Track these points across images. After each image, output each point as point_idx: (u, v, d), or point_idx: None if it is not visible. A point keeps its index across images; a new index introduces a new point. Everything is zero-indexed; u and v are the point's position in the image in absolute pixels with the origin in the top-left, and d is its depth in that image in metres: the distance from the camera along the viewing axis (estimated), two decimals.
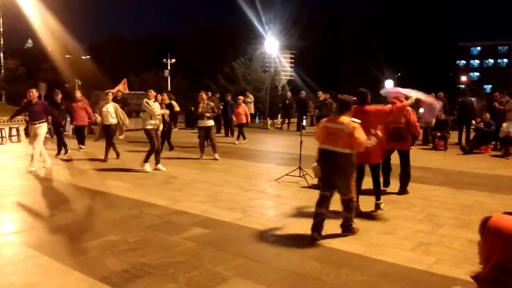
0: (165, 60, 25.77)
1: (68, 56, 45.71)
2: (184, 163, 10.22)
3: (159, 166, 9.19)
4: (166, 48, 35.67)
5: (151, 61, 37.32)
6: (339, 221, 5.24)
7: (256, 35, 28.21)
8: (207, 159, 10.54)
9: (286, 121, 20.90)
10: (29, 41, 55.56)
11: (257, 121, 23.57)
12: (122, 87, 21.26)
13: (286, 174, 8.33)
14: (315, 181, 7.73)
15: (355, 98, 5.95)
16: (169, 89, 24.34)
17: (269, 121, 21.75)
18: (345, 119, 4.92)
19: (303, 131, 10.23)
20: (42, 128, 9.27)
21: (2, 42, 32.90)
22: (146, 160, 9.05)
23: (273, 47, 23.89)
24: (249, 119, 15.21)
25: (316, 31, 41.33)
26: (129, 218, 5.84)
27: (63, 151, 11.03)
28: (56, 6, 37.15)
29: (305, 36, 36.12)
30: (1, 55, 34.32)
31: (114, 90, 17.92)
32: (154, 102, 9.28)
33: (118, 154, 10.63)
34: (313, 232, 4.99)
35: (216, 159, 10.52)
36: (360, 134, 4.83)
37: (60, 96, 11.41)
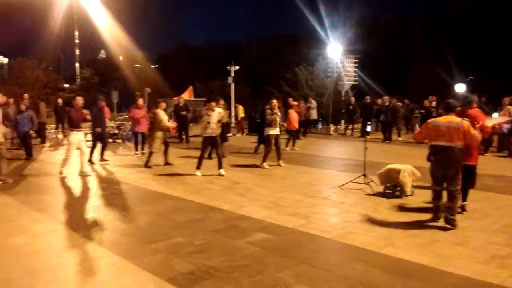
0: (228, 67, 26.25)
1: (138, 65, 48.04)
2: (247, 169, 10.36)
3: (221, 171, 9.40)
4: (230, 55, 36.37)
5: (216, 68, 38.21)
6: (407, 232, 5.09)
7: (319, 40, 28.00)
8: (271, 165, 10.58)
9: (350, 126, 20.56)
10: (102, 51, 59.04)
11: (320, 127, 23.37)
12: (188, 95, 22.01)
13: (350, 181, 8.19)
14: (380, 188, 7.58)
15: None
16: (232, 96, 24.74)
17: (332, 127, 21.50)
18: (456, 118, 5.72)
19: (368, 137, 9.99)
20: (83, 135, 9.90)
21: (78, 53, 35.73)
22: (197, 168, 9.45)
23: (336, 52, 23.62)
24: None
25: (380, 34, 40.21)
26: (195, 221, 6.02)
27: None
28: (126, 19, 39.31)
29: (369, 40, 35.30)
30: (77, 65, 37.19)
31: (176, 98, 18.77)
32: (213, 111, 9.48)
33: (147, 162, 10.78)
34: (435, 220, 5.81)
35: (281, 166, 10.56)
36: (474, 130, 5.66)
37: (104, 103, 12.02)
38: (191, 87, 23.77)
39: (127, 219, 6.20)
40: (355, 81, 24.64)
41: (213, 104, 9.77)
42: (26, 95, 15.18)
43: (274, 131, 10.59)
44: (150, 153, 10.68)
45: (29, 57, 30.94)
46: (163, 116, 10.63)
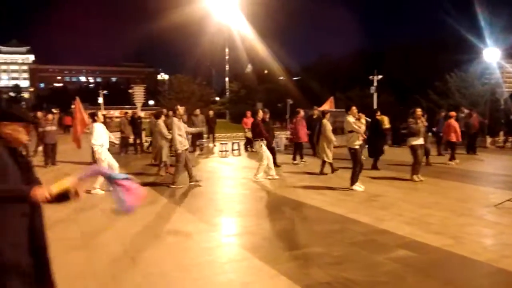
0: (371, 76, 25.62)
1: (281, 78, 49.78)
2: (389, 182, 9.95)
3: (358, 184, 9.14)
4: (372, 64, 35.42)
5: (357, 78, 37.59)
6: None
7: (473, 44, 25.67)
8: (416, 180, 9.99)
9: (510, 139, 18.40)
10: (249, 65, 62.61)
11: None
12: (328, 106, 22.01)
13: (508, 200, 7.31)
14: None
15: None
16: (375, 106, 24.06)
17: (489, 139, 19.47)
18: None
19: None
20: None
21: (227, 68, 38.69)
22: (353, 183, 9.01)
23: (493, 56, 21.39)
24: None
25: None
26: (332, 232, 5.99)
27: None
28: (271, 34, 41.40)
29: None
30: (227, 79, 40.18)
31: (321, 109, 18.85)
32: (360, 120, 9.35)
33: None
34: None
35: (421, 180, 9.91)
36: None
37: (267, 115, 12.61)
38: (331, 98, 23.70)
39: (267, 225, 6.45)
40: None
41: (356, 112, 9.47)
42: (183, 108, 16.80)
43: (419, 141, 10.06)
44: (323, 162, 11.20)
45: (185, 73, 34.36)
46: (329, 125, 11.23)
